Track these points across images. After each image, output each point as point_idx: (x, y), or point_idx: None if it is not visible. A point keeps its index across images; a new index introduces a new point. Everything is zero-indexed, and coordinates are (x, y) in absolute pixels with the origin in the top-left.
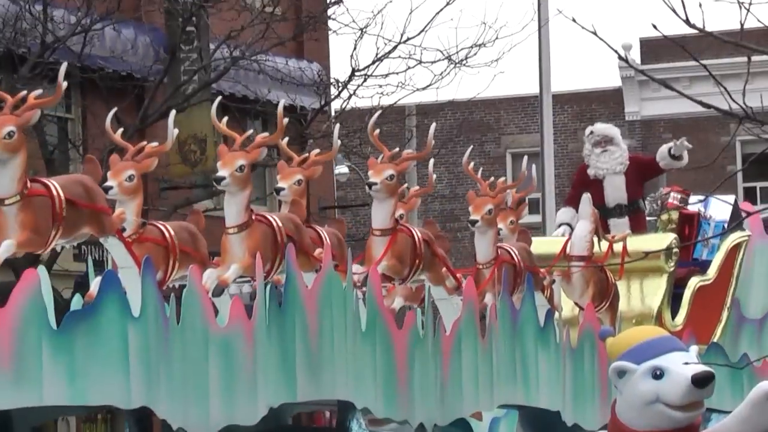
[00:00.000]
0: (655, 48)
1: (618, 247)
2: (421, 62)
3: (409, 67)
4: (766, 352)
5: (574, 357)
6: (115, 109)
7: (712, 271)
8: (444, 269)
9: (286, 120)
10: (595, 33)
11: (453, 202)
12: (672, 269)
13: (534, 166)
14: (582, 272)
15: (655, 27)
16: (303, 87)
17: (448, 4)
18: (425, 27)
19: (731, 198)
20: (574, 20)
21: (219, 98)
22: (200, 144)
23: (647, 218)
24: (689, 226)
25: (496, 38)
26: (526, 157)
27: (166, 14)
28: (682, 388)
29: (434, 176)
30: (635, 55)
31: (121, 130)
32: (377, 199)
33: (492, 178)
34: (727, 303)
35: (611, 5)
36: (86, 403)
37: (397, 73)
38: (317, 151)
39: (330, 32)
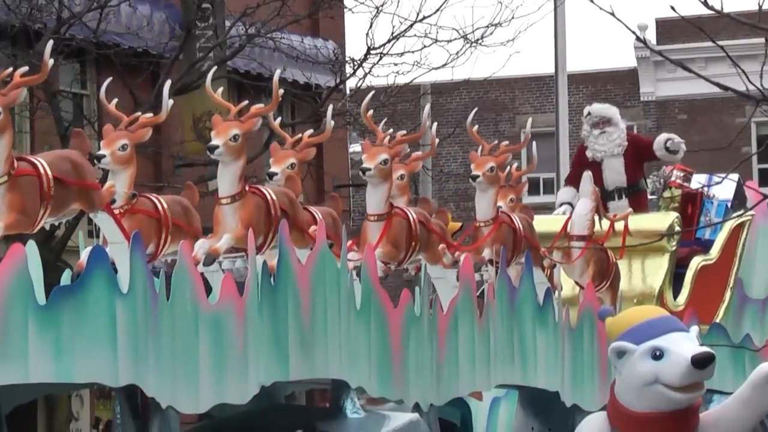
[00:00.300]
0: (670, 28)
1: (619, 226)
2: (436, 41)
3: (424, 46)
4: None
5: (573, 337)
6: (109, 79)
7: (715, 251)
8: (442, 246)
9: (281, 91)
10: (612, 13)
11: (467, 182)
12: (674, 249)
13: (535, 144)
14: (583, 251)
15: (672, 8)
16: (318, 65)
17: None
18: (441, 6)
19: (735, 176)
20: (591, 0)
21: (213, 69)
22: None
23: (650, 196)
24: (692, 205)
25: (512, 17)
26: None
27: None
28: (682, 368)
29: (437, 140)
30: (651, 36)
31: (115, 100)
32: (371, 184)
33: (495, 141)
34: (730, 283)
35: None
36: (72, 381)
37: (413, 52)
38: (310, 131)
39: (345, 10)
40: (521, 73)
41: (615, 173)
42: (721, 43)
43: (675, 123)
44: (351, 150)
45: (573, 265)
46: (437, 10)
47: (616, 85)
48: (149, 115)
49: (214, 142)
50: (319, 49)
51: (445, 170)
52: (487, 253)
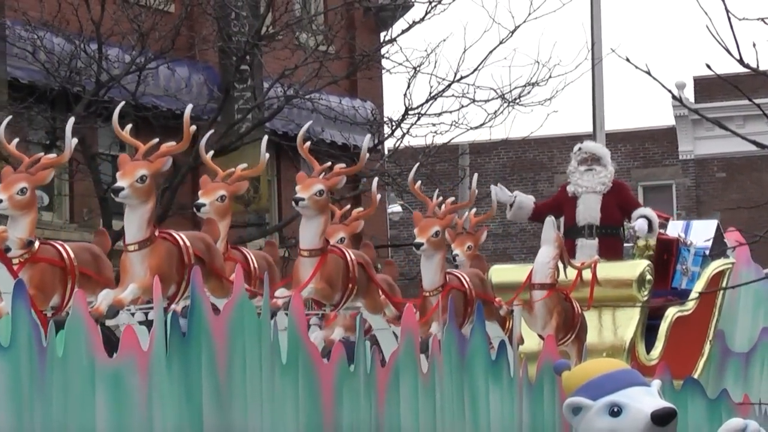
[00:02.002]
0: (708, 86)
1: (587, 275)
2: (474, 101)
3: (462, 106)
4: (752, 388)
5: (532, 393)
6: (9, 117)
7: (693, 301)
8: (383, 298)
9: (193, 128)
10: (648, 72)
11: (506, 241)
12: (645, 298)
13: (494, 188)
14: (545, 301)
15: (708, 66)
16: (356, 126)
17: (501, 43)
18: (478, 66)
19: (714, 222)
20: (627, 60)
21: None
22: (253, 182)
23: (625, 244)
24: (667, 253)
25: (550, 77)
26: (476, 175)
27: (220, 53)
28: (641, 425)
29: (378, 196)
30: (689, 94)
31: (16, 140)
32: (305, 216)
33: (440, 198)
34: (710, 335)
35: (665, 44)
36: None
37: (451, 112)
38: (243, 165)
39: (383, 71)
40: (559, 132)
41: (589, 209)
42: (758, 101)
43: (713, 181)
44: (389, 210)
45: (535, 317)
46: (475, 70)
47: (654, 144)
48: (52, 155)
49: (119, 183)
50: (357, 109)
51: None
52: (434, 328)
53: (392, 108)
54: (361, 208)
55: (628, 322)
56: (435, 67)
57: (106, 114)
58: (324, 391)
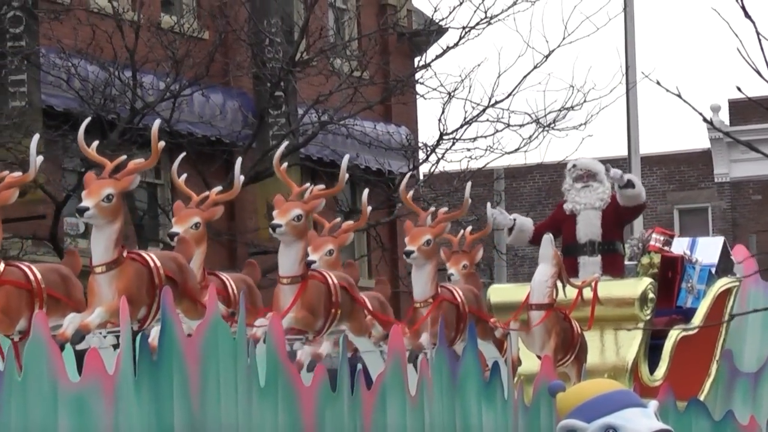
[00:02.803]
0: (743, 109)
1: (588, 293)
2: (509, 126)
3: (497, 131)
4: (761, 408)
5: (528, 416)
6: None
7: (698, 320)
8: (369, 318)
9: (161, 144)
10: (679, 95)
11: None
12: (648, 317)
13: (491, 209)
14: (543, 322)
15: (739, 89)
16: (391, 151)
17: (535, 67)
18: (513, 90)
19: (720, 239)
20: (658, 83)
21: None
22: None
23: (628, 262)
24: (672, 271)
25: (584, 101)
26: (469, 183)
27: (255, 79)
28: None
29: (369, 208)
30: (724, 116)
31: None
32: (283, 242)
33: (432, 209)
34: (717, 355)
35: (701, 67)
36: None
37: (485, 137)
38: (218, 189)
39: (418, 96)
40: (595, 155)
41: (590, 225)
42: None
43: (749, 204)
44: None
45: (532, 337)
46: (509, 95)
47: (689, 167)
48: (17, 174)
49: (84, 203)
50: (391, 135)
51: (519, 254)
52: (424, 339)
53: (427, 133)
54: (350, 222)
55: (630, 341)
56: (469, 92)
57: (141, 141)
58: (305, 415)
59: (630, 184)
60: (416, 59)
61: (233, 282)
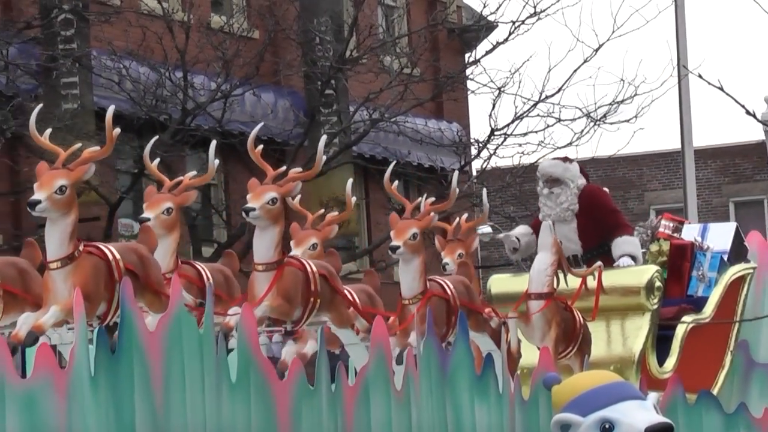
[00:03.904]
0: None
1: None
2: (560, 120)
3: (548, 126)
4: None
5: (526, 410)
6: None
7: (709, 309)
8: (351, 310)
9: (117, 131)
10: (721, 88)
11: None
12: (655, 307)
13: (485, 191)
14: (542, 312)
15: None
16: (443, 147)
17: (585, 61)
18: (563, 85)
19: (732, 225)
20: (700, 76)
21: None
22: (342, 207)
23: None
24: (682, 258)
25: (635, 94)
26: (456, 173)
27: (305, 78)
28: None
29: (353, 198)
30: None
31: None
32: (258, 227)
33: (419, 199)
34: (731, 346)
35: (755, 58)
36: None
37: (537, 132)
38: (192, 173)
39: (468, 92)
40: (648, 149)
41: (567, 241)
42: None
43: None
44: (479, 231)
45: (532, 328)
46: (559, 90)
47: (744, 159)
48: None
49: (36, 196)
50: (443, 131)
51: None
52: (413, 339)
53: (478, 129)
54: (335, 212)
55: (637, 332)
56: (519, 87)
57: (193, 142)
58: (280, 412)
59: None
60: (466, 55)
61: (209, 272)
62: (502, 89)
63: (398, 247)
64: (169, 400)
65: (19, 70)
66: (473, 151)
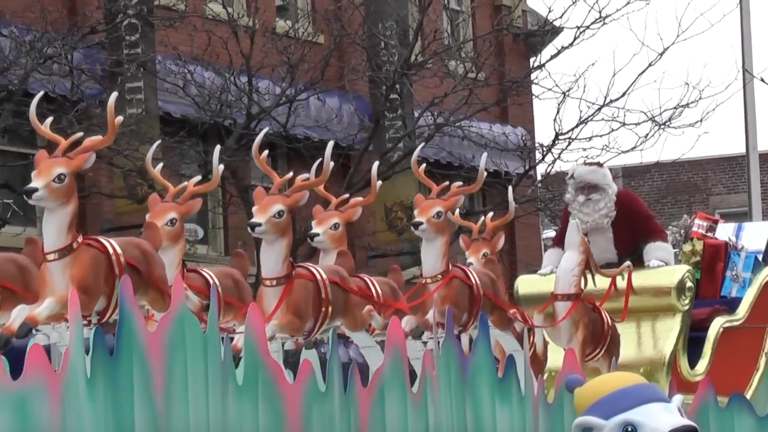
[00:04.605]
0: None
1: (621, 284)
2: (624, 124)
3: (612, 130)
4: None
5: (551, 414)
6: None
7: (743, 310)
8: (368, 308)
9: (120, 119)
10: None
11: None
12: (686, 308)
13: (511, 188)
14: (570, 313)
15: None
16: (507, 152)
17: (650, 65)
18: (628, 89)
19: (767, 224)
20: (762, 80)
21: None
22: (406, 211)
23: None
24: (715, 258)
25: (700, 98)
26: (485, 155)
27: (370, 83)
28: None
29: (378, 183)
30: None
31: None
32: (265, 241)
33: (446, 183)
34: (765, 348)
35: None
36: None
37: (601, 136)
38: (196, 179)
39: (533, 97)
40: (713, 153)
41: (602, 251)
42: None
43: None
44: (544, 236)
45: (558, 330)
46: (624, 94)
47: None
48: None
49: (33, 183)
50: (507, 135)
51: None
52: (431, 316)
53: (543, 133)
54: (360, 198)
55: (668, 333)
56: (584, 91)
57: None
58: (290, 415)
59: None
60: (531, 59)
61: (217, 277)
62: (566, 93)
63: (421, 223)
64: (171, 404)
65: (84, 75)
66: (538, 155)
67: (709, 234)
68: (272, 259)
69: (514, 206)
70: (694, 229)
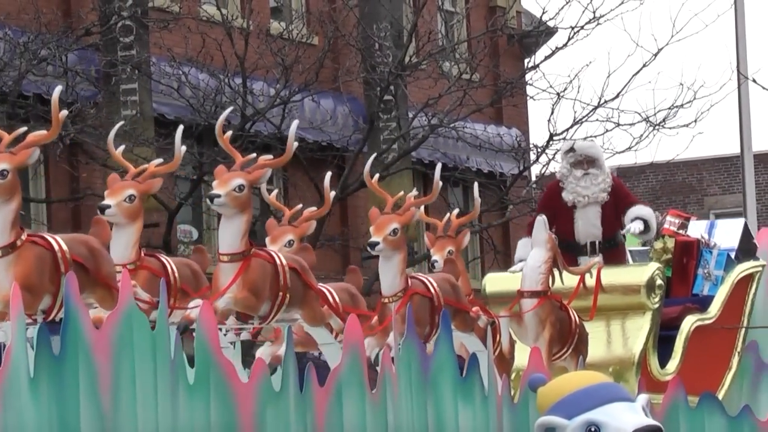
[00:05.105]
0: None
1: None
2: (619, 125)
3: (607, 130)
4: None
5: (516, 414)
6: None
7: (715, 309)
8: (326, 308)
9: (63, 113)
10: None
11: None
12: (656, 306)
13: (477, 184)
14: (536, 311)
15: None
16: (502, 153)
17: (644, 66)
18: (622, 90)
19: (740, 221)
20: (754, 81)
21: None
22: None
23: (642, 247)
24: (687, 256)
25: (694, 98)
26: (439, 165)
27: (364, 84)
28: None
29: (332, 193)
30: None
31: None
32: (224, 215)
33: (402, 193)
34: (738, 346)
35: None
36: None
37: (596, 137)
38: (158, 161)
39: (527, 98)
40: (708, 153)
41: (590, 226)
42: None
43: None
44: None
45: (524, 328)
46: (618, 95)
47: None
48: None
49: None
50: (502, 137)
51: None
52: (391, 340)
53: (537, 134)
54: (314, 208)
55: (637, 332)
56: (578, 92)
57: (252, 148)
58: (243, 416)
59: (646, 229)
60: (525, 60)
61: (176, 265)
62: (561, 94)
63: (377, 243)
64: (118, 404)
65: (79, 77)
66: (532, 156)
67: (681, 231)
68: (231, 234)
69: (479, 202)
70: (666, 226)
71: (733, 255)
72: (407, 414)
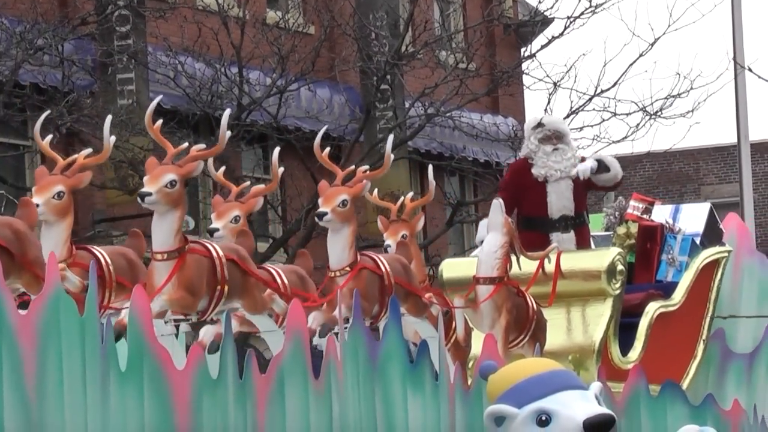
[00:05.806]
0: None
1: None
2: (615, 114)
3: (603, 120)
4: (756, 393)
5: (467, 401)
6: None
7: (679, 295)
8: (268, 291)
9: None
10: None
11: None
12: (618, 292)
13: (431, 167)
14: (492, 297)
15: None
16: (498, 142)
17: (641, 55)
18: (619, 79)
19: (706, 206)
20: (749, 69)
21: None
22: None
23: (605, 232)
24: (650, 241)
25: (691, 88)
26: (390, 137)
27: (361, 73)
28: None
29: (281, 170)
30: None
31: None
32: (157, 212)
33: (352, 167)
34: (703, 334)
35: None
36: None
37: (592, 126)
38: (87, 152)
39: (524, 87)
40: (704, 143)
41: (562, 199)
42: None
43: None
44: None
45: (480, 315)
46: (615, 84)
47: None
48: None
49: None
50: (498, 126)
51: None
52: (337, 313)
53: None
54: (262, 185)
55: (598, 319)
56: (575, 81)
57: (248, 137)
58: (178, 405)
59: (603, 168)
60: (522, 50)
61: (110, 256)
62: (557, 84)
63: (325, 214)
64: (43, 394)
65: (75, 66)
66: None
67: (644, 216)
68: (163, 231)
69: (434, 185)
70: (629, 210)
71: (698, 240)
72: (353, 403)
